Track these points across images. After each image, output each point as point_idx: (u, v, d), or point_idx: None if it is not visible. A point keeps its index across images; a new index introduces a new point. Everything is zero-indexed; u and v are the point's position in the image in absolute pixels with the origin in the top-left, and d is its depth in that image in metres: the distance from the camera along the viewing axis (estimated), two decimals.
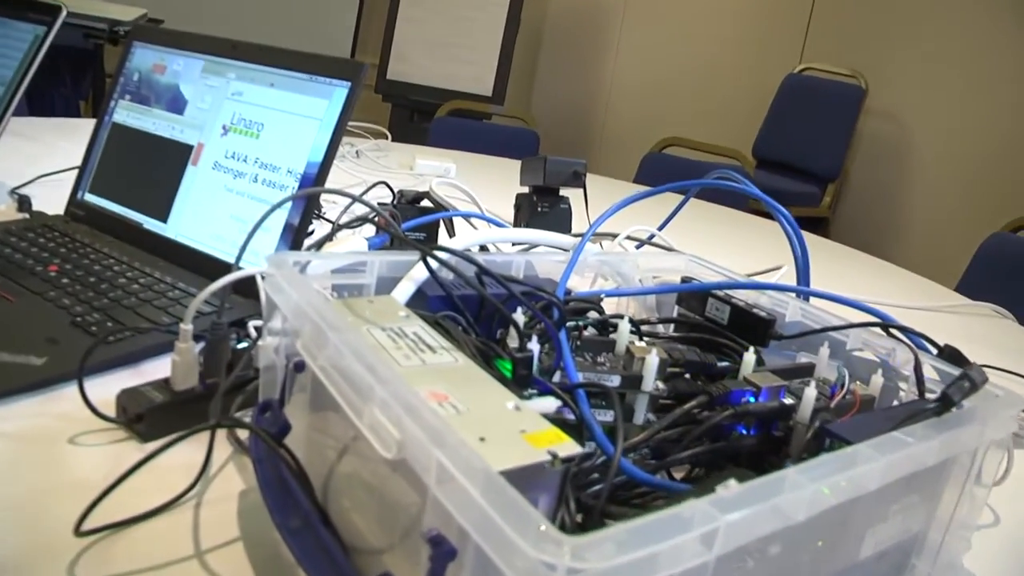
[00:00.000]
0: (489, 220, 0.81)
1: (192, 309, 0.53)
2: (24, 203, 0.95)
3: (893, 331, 0.64)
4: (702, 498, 0.34)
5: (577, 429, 0.47)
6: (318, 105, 0.77)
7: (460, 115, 2.93)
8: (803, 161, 3.14)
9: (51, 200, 0.96)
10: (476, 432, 0.34)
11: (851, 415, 0.56)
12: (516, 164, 2.10)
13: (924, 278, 1.60)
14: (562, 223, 1.01)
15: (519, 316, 0.54)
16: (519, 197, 1.04)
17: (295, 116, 0.78)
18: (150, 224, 0.85)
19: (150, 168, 0.87)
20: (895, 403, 0.63)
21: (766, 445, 0.54)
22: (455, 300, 0.55)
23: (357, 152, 1.80)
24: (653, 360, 0.53)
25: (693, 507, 0.33)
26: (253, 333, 0.61)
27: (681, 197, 1.00)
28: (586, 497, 0.43)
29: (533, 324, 0.56)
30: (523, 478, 0.33)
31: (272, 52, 0.82)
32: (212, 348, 0.56)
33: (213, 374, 0.56)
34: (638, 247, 0.84)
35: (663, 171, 2.27)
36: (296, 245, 0.74)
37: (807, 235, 1.90)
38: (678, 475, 0.55)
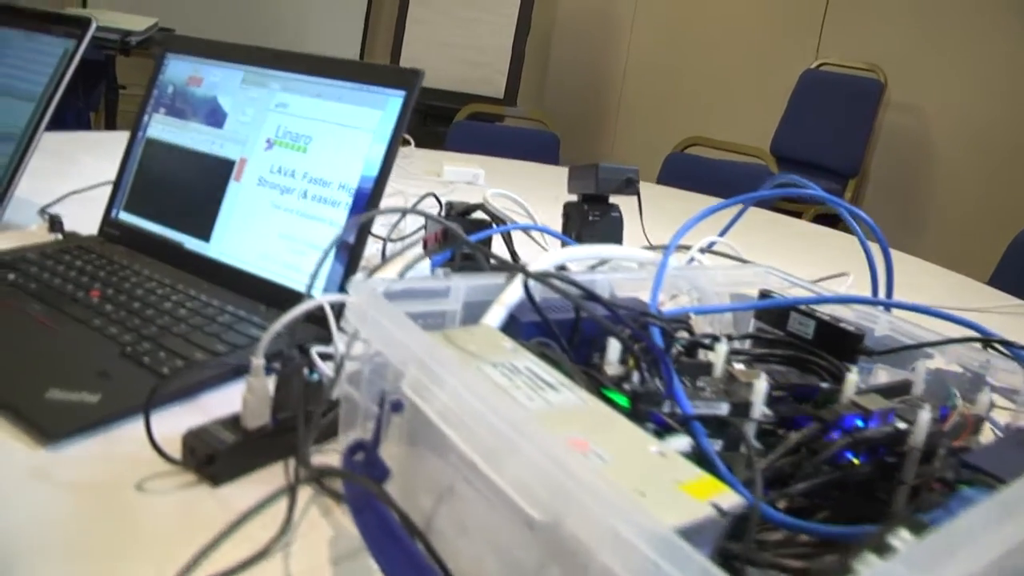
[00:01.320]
0: (551, 233, 0.77)
1: (264, 343, 0.50)
2: (56, 223, 0.91)
3: (990, 344, 0.61)
4: (884, 557, 0.30)
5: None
6: (371, 116, 0.73)
7: (475, 118, 2.90)
8: (822, 157, 3.10)
9: (82, 219, 0.92)
10: (633, 485, 0.31)
11: (966, 438, 0.52)
12: (539, 168, 2.08)
13: (967, 277, 1.57)
14: (614, 232, 0.98)
15: (613, 341, 0.51)
16: (568, 206, 1.00)
17: (346, 128, 0.74)
18: (192, 244, 0.81)
19: (190, 185, 0.83)
20: (1008, 428, 0.59)
21: (876, 472, 0.50)
22: (551, 325, 0.52)
23: None
24: (762, 386, 0.49)
25: (877, 569, 0.30)
26: (319, 362, 0.57)
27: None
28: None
29: (631, 351, 0.52)
30: (690, 535, 0.29)
31: (318, 61, 0.78)
32: (284, 382, 0.52)
33: (285, 409, 0.52)
34: (695, 253, 0.80)
35: (687, 172, 2.23)
36: (352, 266, 0.70)
37: (830, 232, 1.87)
38: (780, 504, 0.51)
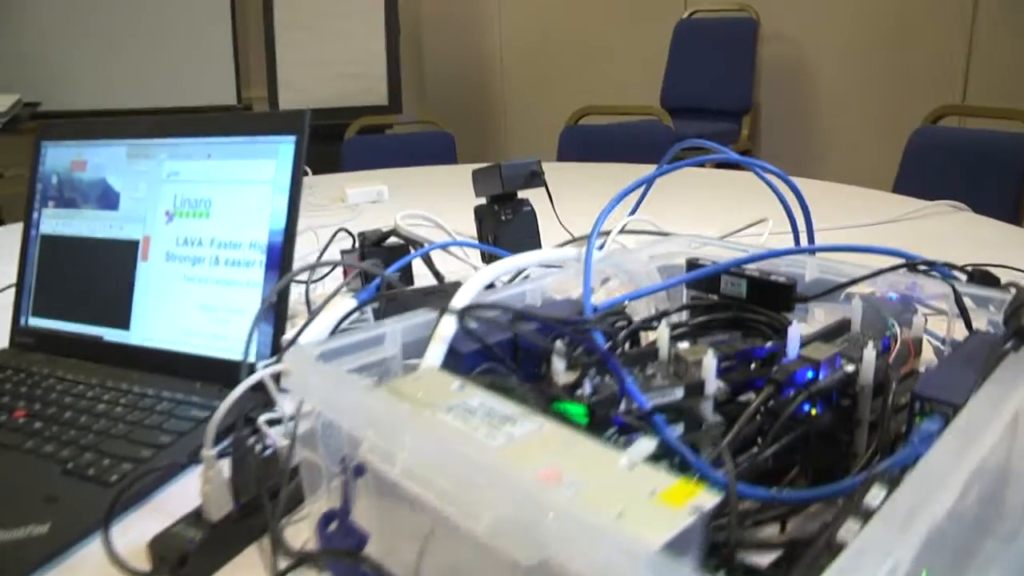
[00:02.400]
0: (468, 245, 0.77)
1: (211, 433, 0.48)
2: None
3: (914, 267, 0.63)
4: (868, 523, 0.31)
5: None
6: (266, 167, 0.72)
7: (367, 131, 2.86)
8: (712, 101, 3.16)
9: None
10: (610, 508, 0.31)
11: (912, 363, 0.54)
12: (441, 170, 2.07)
13: (874, 190, 1.62)
14: (529, 227, 0.98)
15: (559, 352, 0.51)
16: (479, 210, 1.00)
17: (244, 184, 0.73)
18: (111, 335, 0.78)
19: (97, 274, 0.80)
20: (944, 342, 0.61)
21: (835, 418, 0.51)
22: (493, 351, 0.51)
23: None
24: (711, 362, 0.49)
25: (868, 538, 0.30)
26: (270, 432, 0.56)
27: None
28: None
29: (576, 356, 0.52)
30: (677, 545, 0.30)
31: (202, 121, 0.76)
32: (240, 464, 0.50)
33: (246, 491, 0.51)
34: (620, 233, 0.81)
35: (585, 142, 2.25)
36: (280, 325, 0.69)
37: (733, 174, 1.91)
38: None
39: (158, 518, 0.51)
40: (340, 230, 0.96)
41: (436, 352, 0.49)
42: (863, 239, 1.24)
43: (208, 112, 4.01)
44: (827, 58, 3.21)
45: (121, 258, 0.79)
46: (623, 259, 0.67)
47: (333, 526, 0.42)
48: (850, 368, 0.50)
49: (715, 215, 1.39)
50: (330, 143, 3.13)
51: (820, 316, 0.68)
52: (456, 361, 0.52)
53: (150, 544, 0.49)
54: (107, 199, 0.81)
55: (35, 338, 0.83)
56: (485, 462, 0.33)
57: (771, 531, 0.47)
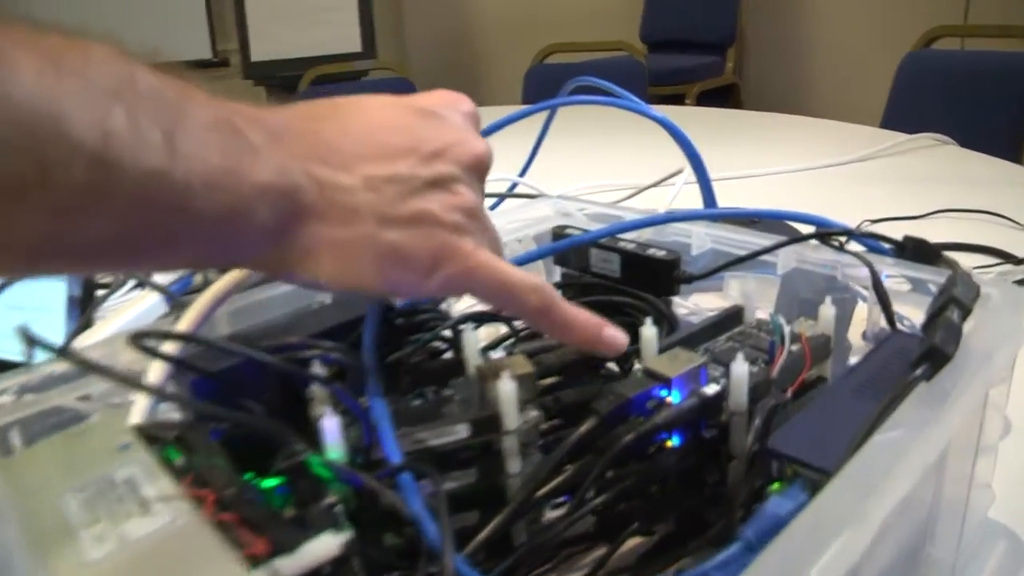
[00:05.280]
0: None
1: None
2: None
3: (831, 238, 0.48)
4: None
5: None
6: None
7: (335, 80, 2.69)
8: (696, 33, 2.97)
9: None
10: None
11: (800, 383, 0.40)
12: None
13: (852, 124, 1.45)
14: None
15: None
16: None
17: None
18: None
19: None
20: (866, 337, 0.47)
21: (699, 452, 0.37)
22: (219, 378, 0.37)
23: None
24: (507, 388, 0.35)
25: None
26: None
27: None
28: None
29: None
30: None
31: None
32: None
33: None
34: (494, 207, 0.67)
35: (552, 82, 2.08)
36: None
37: (714, 112, 1.74)
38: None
39: None
40: None
41: (141, 406, 0.36)
42: (818, 182, 1.08)
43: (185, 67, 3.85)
44: None
45: None
46: None
47: None
48: (711, 390, 0.36)
49: (638, 163, 1.22)
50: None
51: (710, 302, 0.54)
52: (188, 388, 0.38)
53: None
54: None
55: None
56: None
57: None
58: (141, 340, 0.35)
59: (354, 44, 3.54)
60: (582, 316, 0.36)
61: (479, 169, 0.37)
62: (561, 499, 0.37)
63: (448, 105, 0.38)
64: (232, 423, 0.34)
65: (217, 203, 0.28)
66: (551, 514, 0.37)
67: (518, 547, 0.36)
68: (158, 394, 0.33)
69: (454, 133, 0.36)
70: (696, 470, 0.38)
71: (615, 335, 0.37)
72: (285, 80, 3.49)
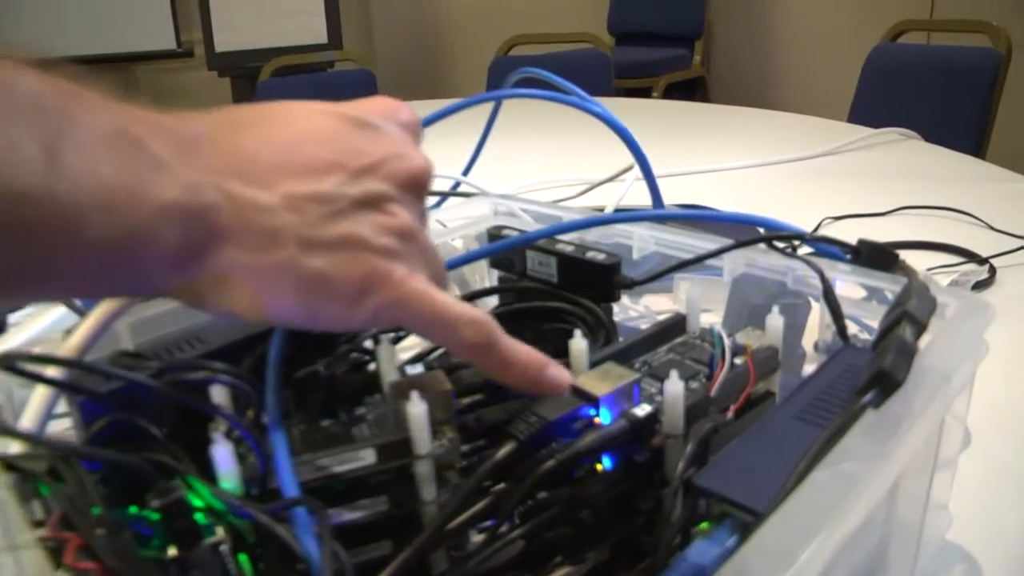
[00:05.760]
0: None
1: None
2: None
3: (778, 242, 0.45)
4: None
5: None
6: None
7: (298, 71, 2.64)
8: (663, 25, 2.94)
9: None
10: None
11: (745, 400, 0.37)
12: None
13: (816, 117, 1.43)
14: None
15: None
16: None
17: None
18: None
19: None
20: (807, 348, 0.44)
21: (632, 477, 0.34)
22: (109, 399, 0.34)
23: None
24: (417, 410, 0.32)
25: None
26: None
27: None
28: None
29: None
30: None
31: None
32: None
33: None
34: (436, 206, 0.63)
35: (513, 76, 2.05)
36: None
37: (679, 105, 1.71)
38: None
39: None
40: None
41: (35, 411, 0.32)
42: (781, 177, 1.06)
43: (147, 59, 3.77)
44: None
45: None
46: None
47: None
48: (642, 412, 0.33)
49: (592, 158, 1.18)
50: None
51: (659, 304, 0.51)
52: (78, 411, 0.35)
53: None
54: None
55: None
56: None
57: None
58: (12, 362, 0.31)
59: (320, 35, 3.49)
60: (523, 353, 0.33)
61: (417, 187, 0.32)
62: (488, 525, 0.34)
63: (385, 114, 0.34)
64: (96, 459, 0.30)
65: (111, 227, 0.24)
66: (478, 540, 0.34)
67: None
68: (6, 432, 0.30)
69: (389, 146, 0.32)
70: (630, 496, 0.35)
71: (558, 375, 0.33)
72: (251, 71, 3.42)
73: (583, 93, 0.55)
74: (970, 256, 0.75)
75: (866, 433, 0.26)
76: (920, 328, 0.30)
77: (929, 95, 1.72)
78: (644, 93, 2.62)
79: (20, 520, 0.26)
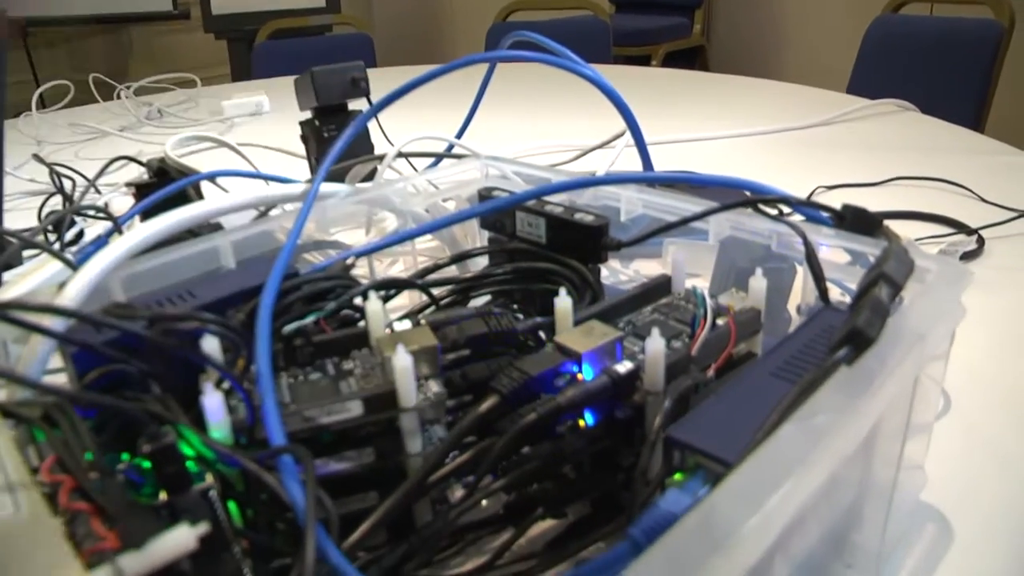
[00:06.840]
0: (233, 174, 0.59)
1: None
2: None
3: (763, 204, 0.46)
4: None
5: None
6: None
7: (297, 34, 2.62)
8: None
9: None
10: None
11: (727, 360, 0.38)
12: None
13: (815, 87, 1.43)
14: (361, 147, 0.80)
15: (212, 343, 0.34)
16: (303, 126, 0.82)
17: None
18: None
19: None
20: (792, 311, 0.45)
21: (613, 433, 0.35)
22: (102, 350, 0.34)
23: (159, 110, 1.52)
24: (403, 363, 0.33)
25: None
26: None
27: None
28: None
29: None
30: None
31: None
32: None
33: None
34: (432, 167, 0.63)
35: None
36: None
37: (677, 73, 1.70)
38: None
39: None
40: (119, 159, 0.78)
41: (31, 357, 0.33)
42: (776, 146, 1.06)
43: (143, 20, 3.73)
44: None
45: None
46: (386, 194, 0.50)
47: None
48: (624, 368, 0.34)
49: (587, 123, 1.19)
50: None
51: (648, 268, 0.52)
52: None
53: None
54: None
55: None
56: None
57: None
58: (7, 312, 0.32)
59: None
60: None
61: None
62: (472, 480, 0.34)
63: None
64: (91, 404, 0.31)
65: None
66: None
67: (419, 529, 0.34)
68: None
69: None
70: (611, 452, 0.36)
71: None
72: (247, 34, 3.40)
73: (574, 56, 0.55)
74: (959, 227, 0.75)
75: (838, 388, 0.27)
76: (896, 289, 0.30)
77: (930, 66, 1.72)
78: (643, 61, 2.61)
79: (17, 464, 0.27)
